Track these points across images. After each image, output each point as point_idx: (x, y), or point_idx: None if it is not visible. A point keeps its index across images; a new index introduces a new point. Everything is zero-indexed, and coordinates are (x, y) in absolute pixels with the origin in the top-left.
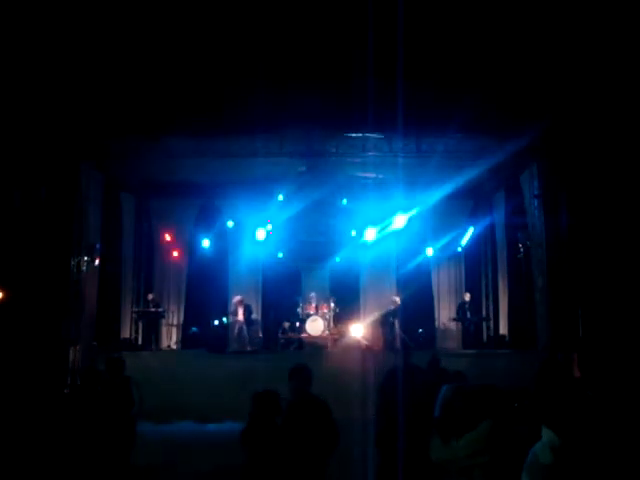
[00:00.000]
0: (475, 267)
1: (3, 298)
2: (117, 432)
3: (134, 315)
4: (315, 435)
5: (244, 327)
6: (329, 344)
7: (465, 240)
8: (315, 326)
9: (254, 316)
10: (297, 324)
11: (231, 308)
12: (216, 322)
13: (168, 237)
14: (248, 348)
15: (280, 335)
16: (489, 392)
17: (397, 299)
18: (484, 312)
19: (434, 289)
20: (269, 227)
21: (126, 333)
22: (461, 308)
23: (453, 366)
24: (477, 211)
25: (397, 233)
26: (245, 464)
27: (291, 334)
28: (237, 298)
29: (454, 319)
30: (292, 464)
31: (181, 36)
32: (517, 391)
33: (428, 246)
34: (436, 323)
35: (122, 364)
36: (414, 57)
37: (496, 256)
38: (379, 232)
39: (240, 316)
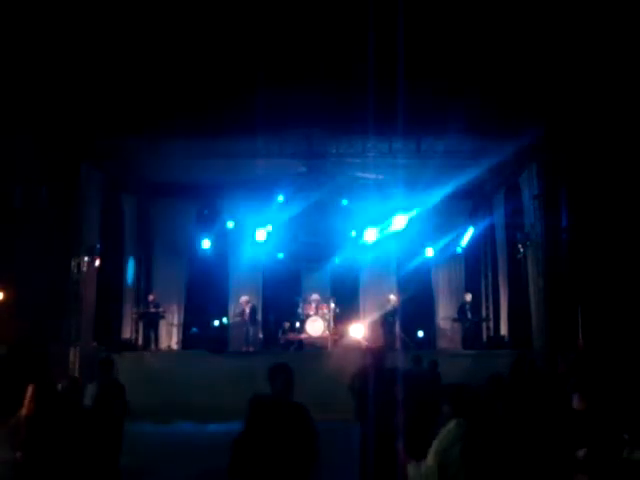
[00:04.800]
0: (475, 267)
1: (4, 298)
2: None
3: (134, 315)
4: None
5: (249, 327)
6: (329, 344)
7: (465, 240)
8: (315, 326)
9: (257, 317)
10: (297, 324)
11: (237, 308)
12: (216, 322)
13: (168, 237)
14: (251, 349)
15: (280, 335)
16: (459, 391)
17: (393, 297)
18: (484, 312)
19: (434, 289)
20: (269, 228)
21: (126, 333)
22: (462, 308)
23: (453, 366)
24: (477, 211)
25: (397, 234)
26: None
27: (291, 334)
28: (244, 298)
29: (455, 319)
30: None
31: (181, 37)
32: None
33: (428, 246)
34: (436, 323)
35: (111, 365)
36: (414, 58)
37: (496, 256)
38: (379, 233)
39: (246, 316)
